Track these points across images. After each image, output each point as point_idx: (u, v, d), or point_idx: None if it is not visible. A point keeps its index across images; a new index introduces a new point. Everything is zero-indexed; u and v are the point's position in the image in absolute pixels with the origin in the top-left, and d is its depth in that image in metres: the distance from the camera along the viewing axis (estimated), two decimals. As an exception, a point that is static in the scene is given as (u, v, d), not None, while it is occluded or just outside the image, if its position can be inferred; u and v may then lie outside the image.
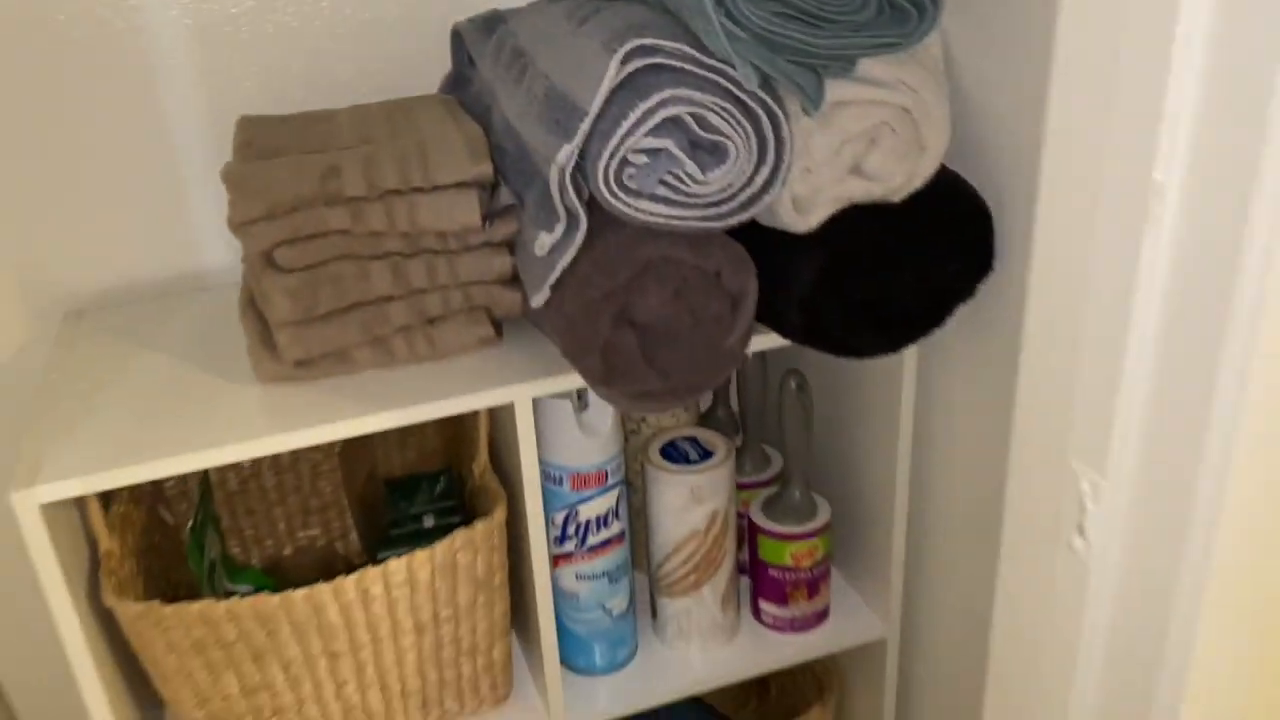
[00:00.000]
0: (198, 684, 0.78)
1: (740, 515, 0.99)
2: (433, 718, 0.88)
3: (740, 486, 0.99)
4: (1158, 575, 0.50)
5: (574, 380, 0.77)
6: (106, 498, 0.78)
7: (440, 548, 0.78)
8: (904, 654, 1.01)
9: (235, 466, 1.00)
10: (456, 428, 0.98)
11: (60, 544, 0.70)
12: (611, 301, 0.71)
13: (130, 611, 0.73)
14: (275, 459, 1.01)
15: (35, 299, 0.94)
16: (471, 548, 0.80)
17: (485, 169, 0.76)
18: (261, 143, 0.80)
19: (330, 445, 1.03)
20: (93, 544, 0.78)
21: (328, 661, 0.80)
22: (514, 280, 0.80)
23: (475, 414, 0.87)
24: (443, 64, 0.97)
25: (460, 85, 0.94)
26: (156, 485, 0.94)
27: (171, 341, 0.86)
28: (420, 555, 0.77)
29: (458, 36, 0.93)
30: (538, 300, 0.73)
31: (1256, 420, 0.46)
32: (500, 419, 0.84)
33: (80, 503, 0.77)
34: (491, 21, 0.90)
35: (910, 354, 0.87)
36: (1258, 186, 0.42)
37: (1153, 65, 0.44)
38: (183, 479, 0.97)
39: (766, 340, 0.81)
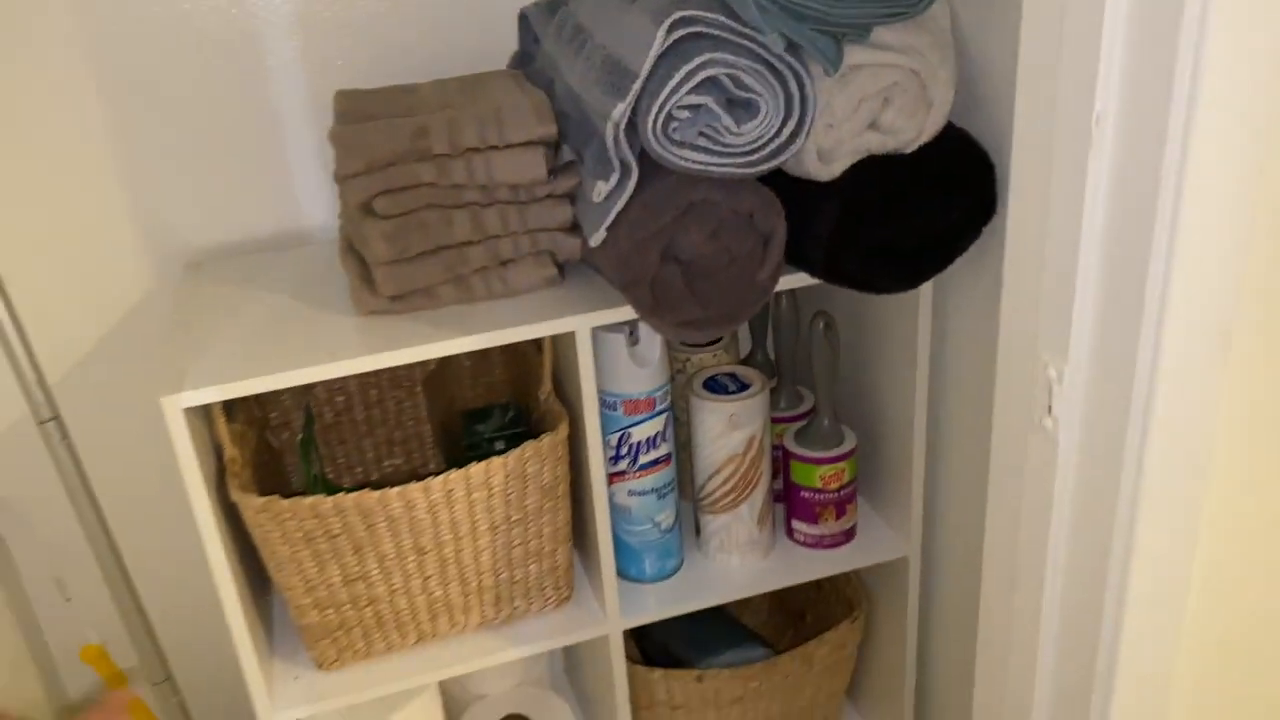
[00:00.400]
0: (306, 573, 0.92)
1: (775, 446, 1.11)
2: (504, 614, 1.01)
3: (775, 420, 1.11)
4: (1110, 439, 0.61)
5: (626, 313, 0.89)
6: (227, 415, 0.92)
7: (512, 456, 0.91)
8: (925, 572, 1.12)
9: (331, 401, 1.14)
10: (521, 365, 1.11)
11: (195, 447, 0.83)
12: (659, 239, 0.83)
13: (253, 505, 0.87)
14: (364, 395, 1.15)
15: (160, 252, 1.08)
16: (539, 458, 0.93)
17: (550, 129, 0.88)
18: (358, 111, 0.93)
19: (413, 383, 1.16)
20: (217, 452, 0.91)
21: (416, 557, 0.93)
22: (574, 228, 0.92)
23: (539, 352, 0.99)
24: (509, 44, 1.09)
25: (525, 62, 1.07)
26: (263, 413, 1.09)
27: (280, 285, 1.00)
28: (496, 462, 0.90)
29: (524, 19, 1.06)
30: (596, 240, 0.85)
31: (1182, 308, 0.56)
32: (561, 351, 0.96)
33: (208, 417, 0.91)
34: (554, 5, 1.02)
35: (924, 293, 0.97)
36: (1173, 115, 0.53)
37: (1090, 28, 0.55)
38: (285, 410, 1.11)
39: (795, 279, 0.92)
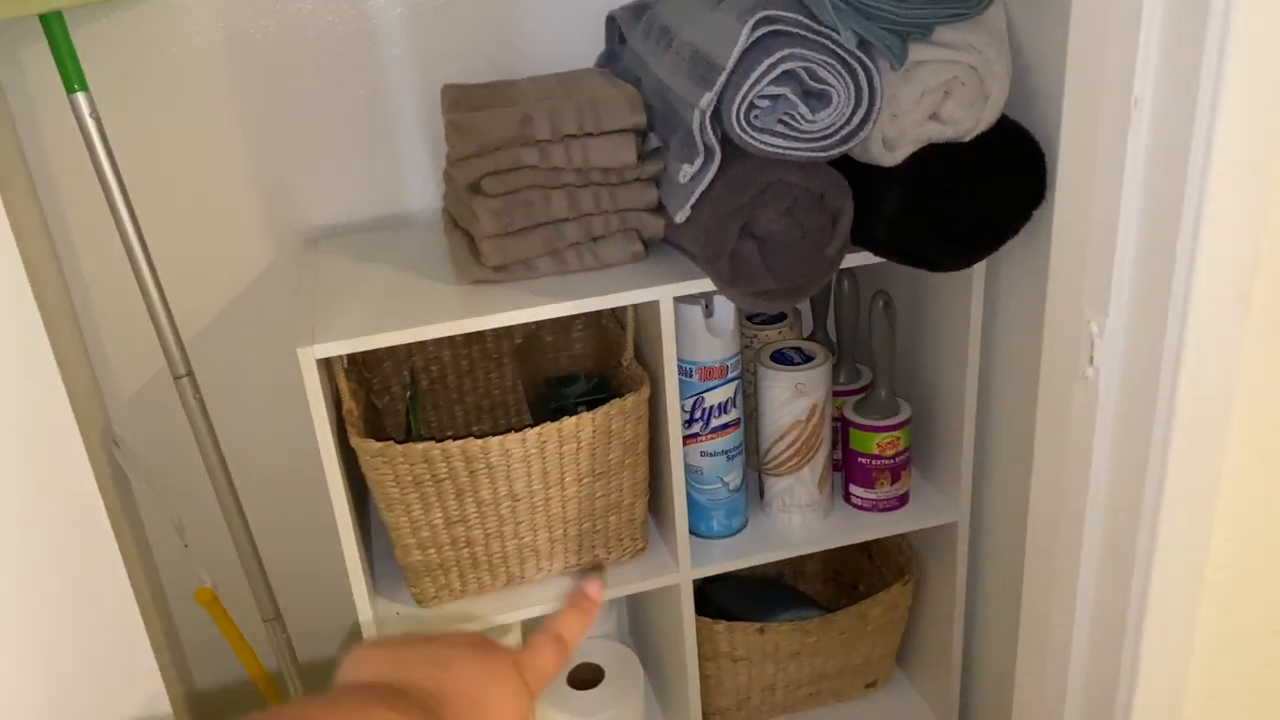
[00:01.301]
0: (412, 514, 1.02)
1: (835, 417, 1.19)
2: (585, 561, 1.11)
3: (836, 394, 1.20)
4: (1144, 386, 0.69)
5: (704, 285, 0.98)
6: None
7: (600, 413, 1.01)
8: (973, 537, 1.20)
9: (426, 369, 1.25)
10: (600, 339, 1.21)
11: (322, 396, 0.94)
12: (738, 215, 0.92)
13: (371, 449, 0.97)
14: (457, 365, 1.26)
15: (282, 229, 1.20)
16: (623, 415, 1.02)
17: (641, 118, 0.98)
18: (468, 101, 1.04)
19: (500, 355, 1.27)
20: (336, 404, 1.02)
21: (510, 503, 1.04)
22: (659, 209, 1.02)
23: (619, 325, 1.09)
24: (594, 45, 1.20)
25: (612, 60, 1.17)
26: (369, 377, 1.20)
27: (391, 259, 1.11)
28: (585, 417, 1.00)
29: (611, 21, 1.16)
30: (681, 216, 0.95)
31: (1207, 273, 0.65)
32: (642, 322, 1.06)
33: (330, 373, 1.02)
34: (639, 8, 1.12)
35: (977, 273, 1.06)
36: (1201, 98, 0.61)
37: (1130, 22, 0.64)
38: (385, 377, 1.22)
39: (860, 258, 1.01)
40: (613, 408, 1.02)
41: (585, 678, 1.28)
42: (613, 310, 1.14)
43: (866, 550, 1.38)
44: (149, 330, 1.09)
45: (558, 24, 1.21)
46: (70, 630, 0.51)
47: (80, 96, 1.00)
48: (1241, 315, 0.66)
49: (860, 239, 0.99)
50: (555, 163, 0.98)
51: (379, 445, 0.97)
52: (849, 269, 1.19)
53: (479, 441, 0.98)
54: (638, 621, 1.41)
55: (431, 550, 1.05)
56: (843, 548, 1.40)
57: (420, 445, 0.97)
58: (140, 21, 1.09)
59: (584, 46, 1.21)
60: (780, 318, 1.23)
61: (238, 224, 1.18)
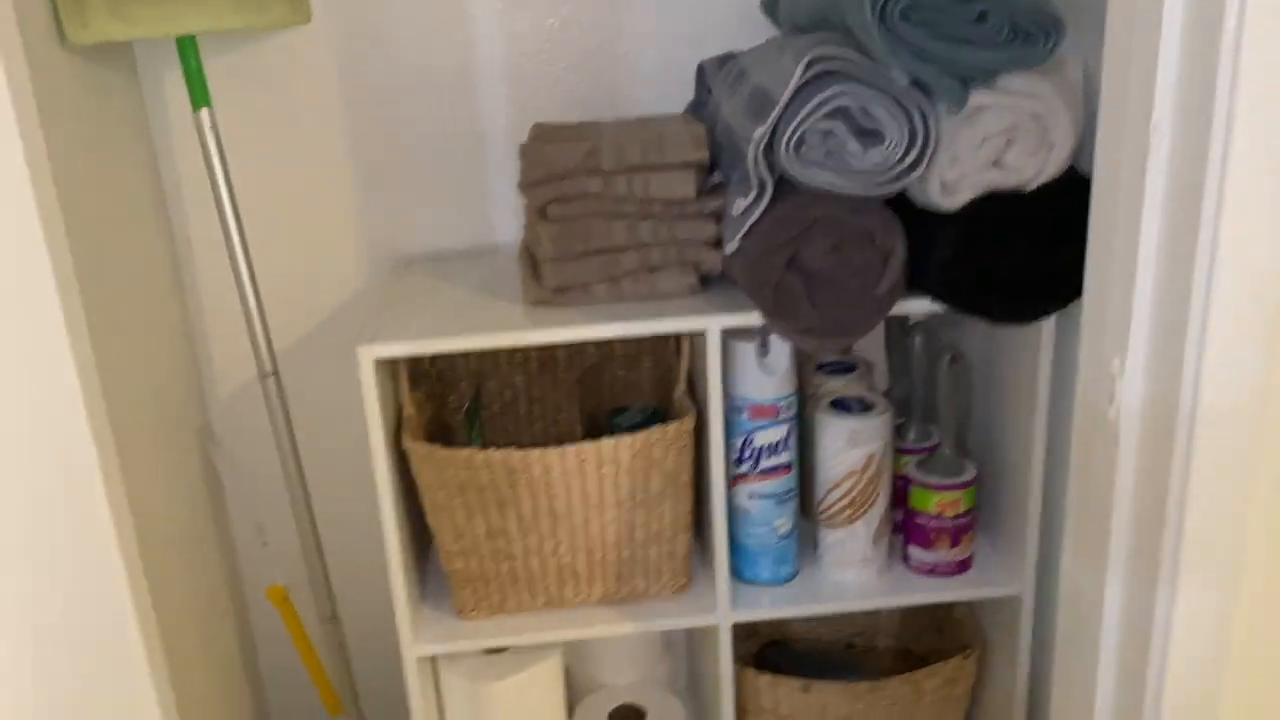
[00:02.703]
0: (456, 520, 1.05)
1: (899, 477, 1.16)
2: (624, 591, 1.11)
3: (902, 452, 1.16)
4: (1163, 422, 0.65)
5: (755, 319, 0.99)
6: (412, 385, 1.08)
7: (640, 436, 1.02)
8: (1039, 612, 1.13)
9: (500, 394, 1.29)
10: (666, 372, 1.22)
11: (380, 399, 0.99)
12: (785, 249, 0.93)
13: (420, 451, 1.02)
14: (529, 391, 1.30)
15: (375, 252, 1.28)
16: (664, 443, 1.03)
17: (703, 154, 1.01)
18: (546, 135, 1.10)
19: (570, 383, 1.30)
20: (397, 409, 1.07)
21: (549, 520, 1.05)
22: (718, 244, 1.04)
23: (678, 358, 1.11)
24: (688, 94, 1.24)
25: (698, 107, 1.21)
26: (443, 392, 1.25)
27: (467, 282, 1.16)
28: (625, 439, 1.01)
29: (701, 70, 1.20)
30: (730, 248, 0.97)
31: (1226, 304, 0.62)
32: (697, 355, 1.07)
33: (394, 378, 1.08)
34: (725, 58, 1.16)
35: (1046, 332, 1.02)
36: (1215, 134, 0.59)
37: (1147, 67, 0.63)
38: (461, 394, 1.27)
39: (917, 305, 0.99)
40: (654, 434, 1.02)
41: (626, 717, 1.26)
42: (677, 344, 1.15)
43: (937, 625, 1.32)
44: (243, 333, 1.18)
45: (654, 72, 1.26)
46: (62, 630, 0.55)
47: (204, 113, 1.11)
48: (1261, 345, 0.62)
49: (916, 284, 0.98)
50: (617, 192, 1.01)
51: (427, 448, 1.01)
52: (922, 323, 1.17)
53: (520, 452, 1.00)
54: (693, 672, 1.39)
55: (473, 559, 1.07)
56: (914, 622, 1.36)
57: (465, 451, 1.01)
58: (267, 53, 1.21)
59: (680, 94, 1.25)
60: (849, 369, 1.22)
61: (335, 245, 1.27)
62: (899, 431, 1.19)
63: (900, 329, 1.22)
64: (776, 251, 0.93)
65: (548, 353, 1.27)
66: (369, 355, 0.97)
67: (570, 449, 1.01)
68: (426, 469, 1.03)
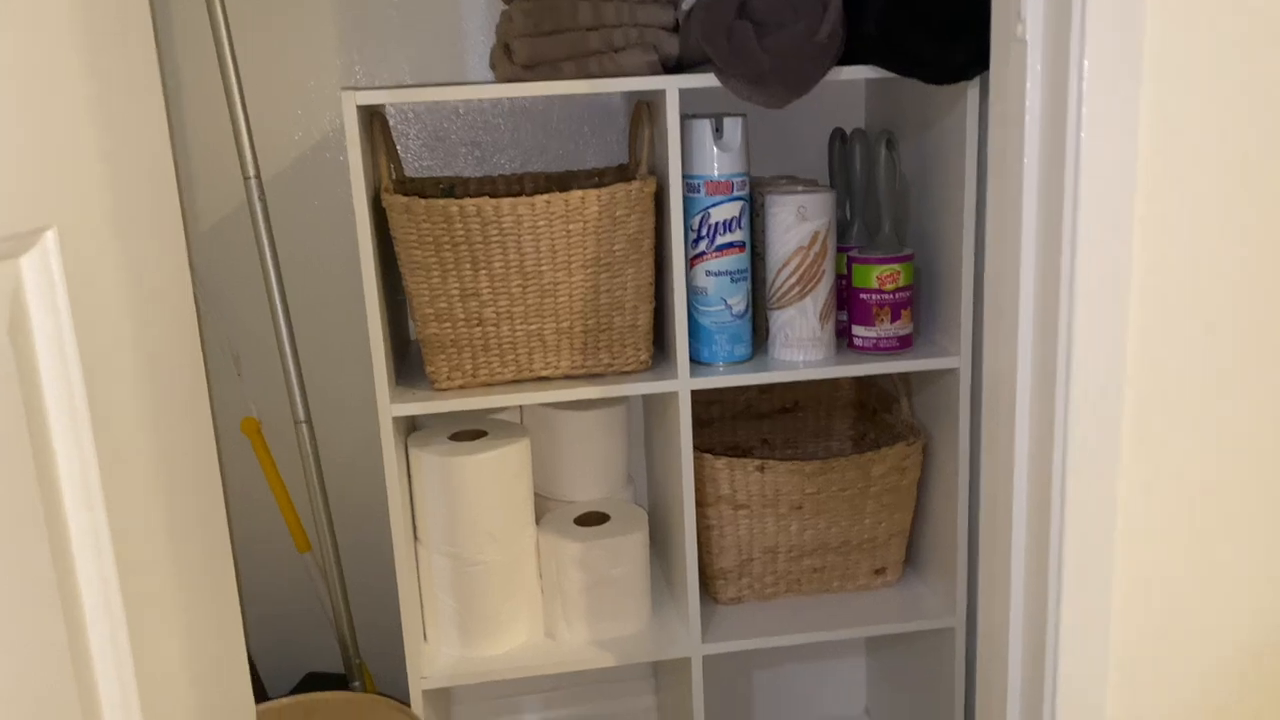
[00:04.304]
0: (431, 280, 1.12)
1: (843, 278, 1.25)
2: (589, 364, 1.17)
3: (842, 250, 1.25)
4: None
5: (708, 80, 1.08)
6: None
7: (604, 192, 1.10)
8: (975, 381, 1.21)
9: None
10: (632, 142, 1.30)
11: (363, 157, 1.06)
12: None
13: (398, 204, 1.08)
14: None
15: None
16: (628, 202, 1.11)
17: (661, -60, 1.12)
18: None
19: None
20: (375, 174, 1.14)
21: (520, 282, 1.12)
22: (675, 29, 1.14)
23: (641, 126, 1.18)
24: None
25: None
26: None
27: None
28: (590, 191, 1.09)
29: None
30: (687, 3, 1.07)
31: None
32: (659, 132, 1.15)
33: (374, 147, 1.15)
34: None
35: (971, 110, 1.12)
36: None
37: None
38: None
39: (854, 71, 1.10)
40: (618, 190, 1.11)
41: (591, 519, 1.31)
42: (639, 116, 1.23)
43: (888, 427, 1.36)
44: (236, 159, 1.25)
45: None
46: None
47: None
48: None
49: (853, 43, 1.08)
50: (584, -26, 1.11)
51: (404, 200, 1.08)
52: (859, 130, 1.28)
53: (492, 201, 1.08)
54: (653, 503, 1.44)
55: (447, 324, 1.13)
56: (861, 413, 1.43)
57: (441, 200, 1.08)
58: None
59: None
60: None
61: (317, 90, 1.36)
62: (842, 234, 1.28)
63: (841, 141, 1.32)
64: (727, 1, 1.03)
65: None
66: (352, 101, 1.04)
67: (539, 198, 1.08)
68: (404, 223, 1.09)
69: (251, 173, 1.25)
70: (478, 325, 1.14)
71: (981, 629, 1.12)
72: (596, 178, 1.32)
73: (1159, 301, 0.82)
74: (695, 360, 1.21)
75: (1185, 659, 0.96)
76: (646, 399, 1.42)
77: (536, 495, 1.35)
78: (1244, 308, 0.83)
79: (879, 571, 1.35)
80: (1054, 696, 0.96)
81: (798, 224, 1.18)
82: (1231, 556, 0.96)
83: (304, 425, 1.30)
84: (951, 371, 1.21)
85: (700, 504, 1.26)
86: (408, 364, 1.26)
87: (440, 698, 1.41)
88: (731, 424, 1.47)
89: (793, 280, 1.20)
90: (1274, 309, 0.84)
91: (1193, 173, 0.79)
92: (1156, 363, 0.87)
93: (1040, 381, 0.96)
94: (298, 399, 1.30)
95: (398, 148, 1.34)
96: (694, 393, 1.18)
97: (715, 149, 1.15)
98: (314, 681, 1.47)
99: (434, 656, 1.24)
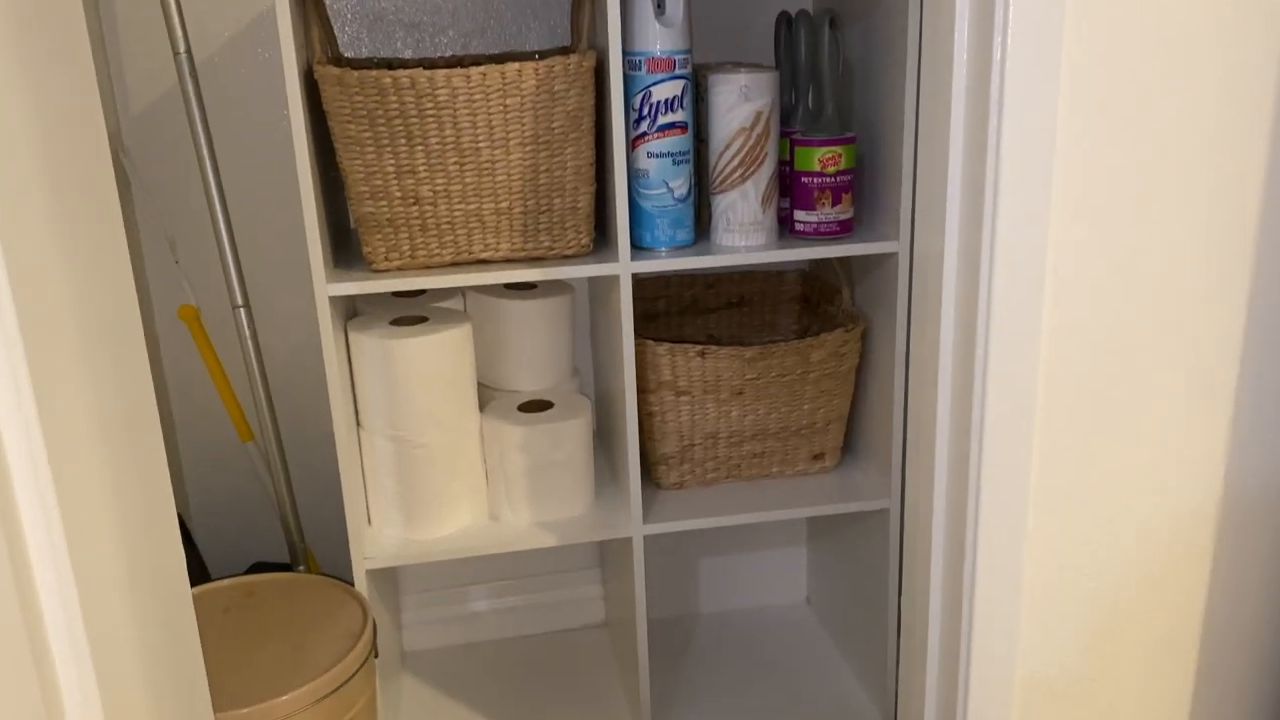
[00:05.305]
0: (366, 158, 1.10)
1: (785, 164, 1.24)
2: (530, 248, 1.16)
3: (788, 135, 1.25)
4: None
5: (651, -45, 1.06)
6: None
7: (541, 65, 1.08)
8: (914, 268, 1.22)
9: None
10: (574, 21, 1.27)
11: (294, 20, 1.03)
12: None
13: (330, 75, 1.06)
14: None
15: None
16: (566, 76, 1.09)
17: None
18: None
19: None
20: (309, 50, 1.11)
21: (456, 158, 1.10)
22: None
23: (585, 5, 1.16)
24: None
25: None
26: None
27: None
28: (528, 64, 1.07)
29: None
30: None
31: None
32: (600, 7, 1.13)
33: (305, 3, 1.11)
34: None
35: (914, 2, 1.11)
36: None
37: None
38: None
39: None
40: (556, 65, 1.09)
41: (535, 407, 1.32)
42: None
43: (830, 317, 1.37)
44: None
45: None
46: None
47: None
48: None
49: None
50: None
51: (337, 72, 1.06)
52: (804, 13, 1.26)
53: (427, 72, 1.06)
54: (599, 392, 1.45)
55: (383, 202, 1.12)
56: (805, 307, 1.44)
57: (374, 72, 1.05)
58: None
59: None
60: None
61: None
62: (786, 119, 1.28)
63: (787, 25, 1.30)
64: None
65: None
66: (280, -35, 1.01)
67: (475, 69, 1.06)
68: (336, 96, 1.07)
69: (182, 48, 1.21)
70: (414, 204, 1.12)
71: (908, 500, 1.15)
72: (537, 57, 1.29)
73: (1082, 188, 0.83)
74: (638, 246, 1.21)
75: (1092, 523, 1.00)
76: (591, 287, 1.42)
77: (482, 386, 1.36)
78: (1168, 145, 0.84)
79: (817, 457, 1.37)
80: (974, 561, 0.99)
81: (740, 104, 1.17)
82: (1148, 431, 0.98)
83: (242, 310, 1.29)
84: (890, 257, 1.22)
85: (642, 390, 1.27)
86: (347, 253, 1.25)
87: (387, 586, 1.42)
88: (678, 319, 1.48)
89: (735, 163, 1.19)
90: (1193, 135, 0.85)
91: (1116, 52, 0.79)
92: (1077, 245, 0.88)
93: (965, 265, 0.97)
94: (235, 283, 1.28)
95: (334, 27, 1.31)
96: (640, 286, 1.18)
97: (657, 24, 1.13)
98: (260, 570, 1.48)
99: (377, 538, 1.25)
